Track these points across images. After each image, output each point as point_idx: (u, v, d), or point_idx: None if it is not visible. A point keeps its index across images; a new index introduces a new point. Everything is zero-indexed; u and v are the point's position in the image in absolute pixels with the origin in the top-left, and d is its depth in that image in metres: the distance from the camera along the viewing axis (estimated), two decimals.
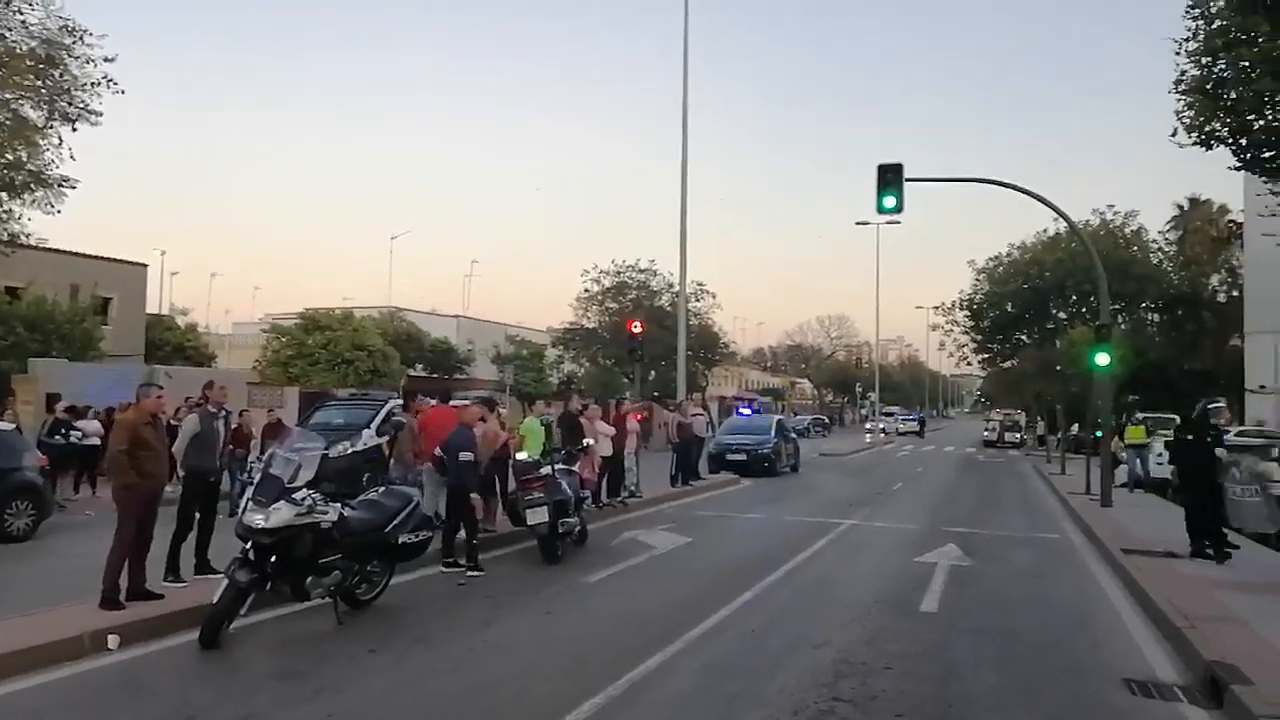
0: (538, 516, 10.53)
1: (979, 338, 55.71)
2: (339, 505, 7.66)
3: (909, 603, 9.04)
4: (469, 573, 9.68)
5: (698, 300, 45.85)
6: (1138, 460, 22.79)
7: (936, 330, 58.98)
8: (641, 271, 46.24)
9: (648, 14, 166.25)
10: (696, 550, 12.13)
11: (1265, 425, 28.19)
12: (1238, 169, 4.78)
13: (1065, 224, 24.54)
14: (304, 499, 7.17)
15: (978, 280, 54.40)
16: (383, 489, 8.82)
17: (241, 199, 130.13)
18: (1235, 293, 47.79)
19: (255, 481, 7.26)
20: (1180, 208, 54.65)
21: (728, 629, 7.79)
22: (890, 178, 18.15)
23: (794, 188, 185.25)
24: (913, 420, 72.73)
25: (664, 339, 36.39)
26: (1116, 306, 47.50)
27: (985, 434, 55.94)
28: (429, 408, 13.32)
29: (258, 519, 6.91)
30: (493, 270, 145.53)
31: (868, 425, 57.83)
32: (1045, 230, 50.56)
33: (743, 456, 25.08)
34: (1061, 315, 49.81)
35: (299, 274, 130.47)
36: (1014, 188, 20.04)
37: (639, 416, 18.50)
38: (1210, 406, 13.34)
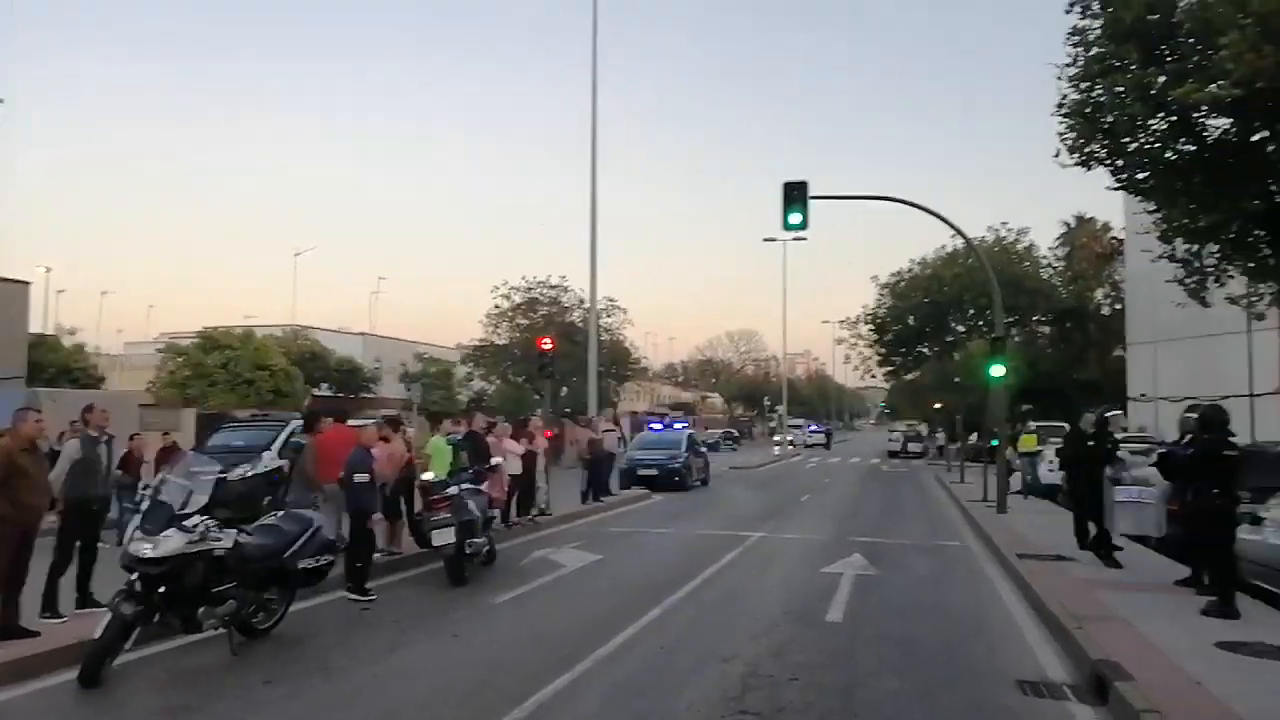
0: (444, 538, 10.34)
1: (883, 351, 57.27)
2: (235, 531, 7.38)
3: (815, 613, 9.18)
4: (351, 597, 9.39)
5: (609, 316, 45.97)
6: (1031, 468, 23.70)
7: (842, 344, 60.39)
8: (553, 288, 46.11)
9: (558, 31, 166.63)
10: (606, 567, 12.10)
11: (1146, 431, 29.69)
12: (1115, 189, 5.07)
13: (963, 240, 25.45)
14: (196, 526, 6.88)
15: (881, 295, 55.99)
16: (282, 513, 8.53)
17: (136, 214, 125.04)
18: (1118, 306, 50.36)
19: (143, 509, 6.93)
20: (1068, 225, 57.25)
21: (636, 646, 7.77)
22: (795, 195, 18.52)
23: (704, 204, 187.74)
24: (820, 433, 74.26)
25: (575, 355, 36.30)
26: (1010, 320, 49.42)
27: (889, 445, 57.42)
28: (329, 427, 12.96)
29: (144, 548, 6.60)
30: (401, 287, 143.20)
31: (776, 438, 58.72)
32: (944, 246, 52.30)
33: (654, 471, 25.17)
34: (960, 328, 51.60)
35: (198, 292, 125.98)
36: (914, 205, 20.71)
37: (549, 434, 18.38)
38: (1108, 415, 13.99)
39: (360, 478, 9.69)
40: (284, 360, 31.49)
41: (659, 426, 31.72)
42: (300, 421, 16.27)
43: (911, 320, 53.71)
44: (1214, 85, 4.33)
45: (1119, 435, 14.30)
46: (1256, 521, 10.05)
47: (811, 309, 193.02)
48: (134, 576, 6.72)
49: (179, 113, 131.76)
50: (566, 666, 6.95)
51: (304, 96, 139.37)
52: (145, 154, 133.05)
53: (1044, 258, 54.19)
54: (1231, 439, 9.42)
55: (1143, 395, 39.00)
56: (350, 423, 11.48)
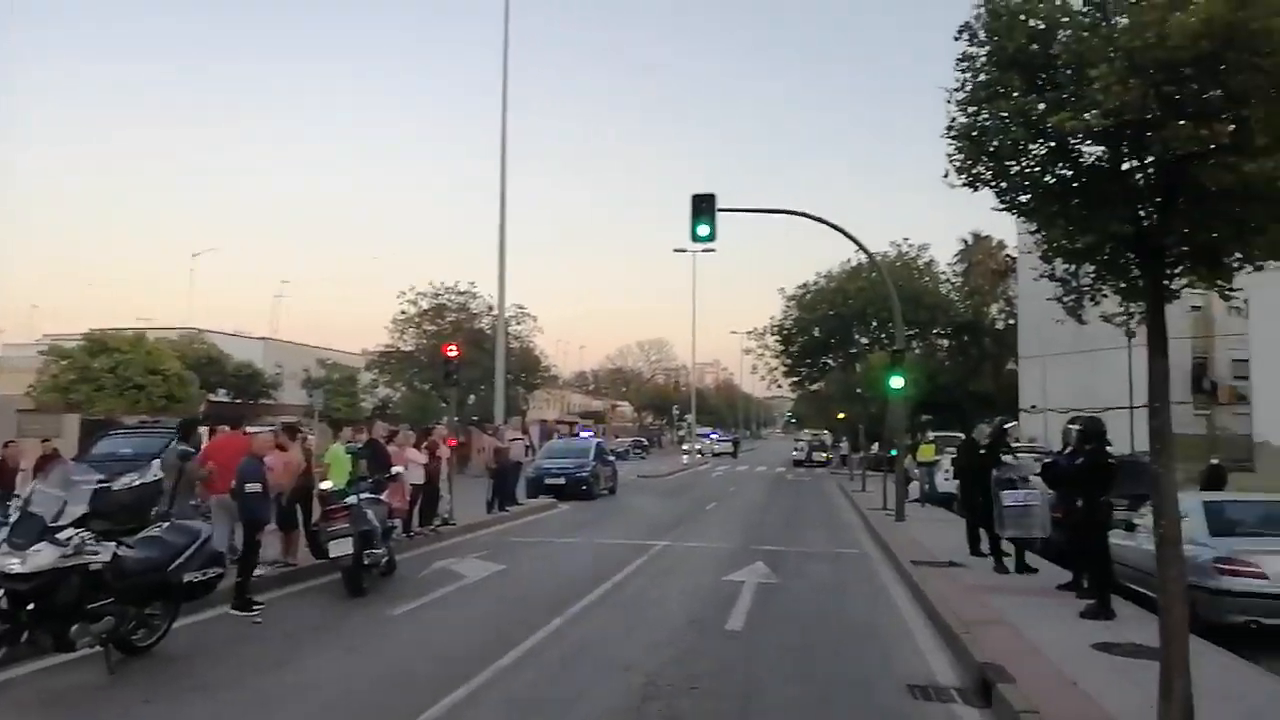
0: (341, 549, 10.09)
1: (789, 362, 58.37)
2: (114, 544, 7.04)
3: (716, 622, 9.27)
4: (235, 613, 9.07)
5: (518, 323, 45.62)
6: (929, 477, 24.45)
7: (750, 354, 61.37)
8: (461, 294, 45.53)
9: (467, 35, 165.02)
10: (509, 578, 11.98)
11: (1035, 442, 31.00)
12: (999, 210, 5.29)
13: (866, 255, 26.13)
14: (70, 539, 6.54)
15: (788, 307, 57.10)
16: (167, 524, 8.18)
17: (15, 210, 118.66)
18: (1011, 321, 52.53)
19: (10, 522, 6.55)
20: (965, 242, 59.45)
21: (536, 657, 7.71)
22: (703, 207, 18.71)
23: (617, 215, 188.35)
24: (727, 441, 75.14)
25: (484, 362, 35.91)
26: (911, 333, 50.94)
27: (794, 454, 58.45)
28: (222, 435, 12.54)
29: (12, 564, 6.23)
30: (305, 291, 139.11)
31: (684, 447, 59.23)
32: (849, 260, 53.59)
33: (561, 480, 25.07)
34: (864, 340, 52.90)
35: (86, 292, 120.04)
36: (818, 220, 21.22)
37: (453, 442, 18.12)
38: (1006, 426, 14.54)
39: (252, 488, 9.38)
40: (178, 365, 30.26)
41: (587, 434, 31.45)
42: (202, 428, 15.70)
43: (817, 332, 54.86)
44: (1087, 114, 4.53)
45: (1014, 445, 14.94)
46: (1131, 528, 10.58)
47: (721, 319, 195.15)
48: (0, 593, 6.34)
49: (81, 110, 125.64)
50: (464, 679, 6.84)
51: (206, 95, 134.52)
52: (33, 150, 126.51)
53: (943, 273, 56.09)
54: (1108, 449, 9.91)
55: (1033, 407, 40.70)
56: (248, 430, 11.09)
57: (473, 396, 41.76)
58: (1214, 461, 23.24)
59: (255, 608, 9.17)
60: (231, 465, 9.81)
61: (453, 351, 19.73)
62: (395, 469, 12.76)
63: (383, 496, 11.66)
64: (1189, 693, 4.96)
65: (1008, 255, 52.30)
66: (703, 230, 18.72)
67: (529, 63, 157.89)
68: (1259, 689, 6.72)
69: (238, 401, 37.54)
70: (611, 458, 30.32)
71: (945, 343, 56.87)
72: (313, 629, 8.72)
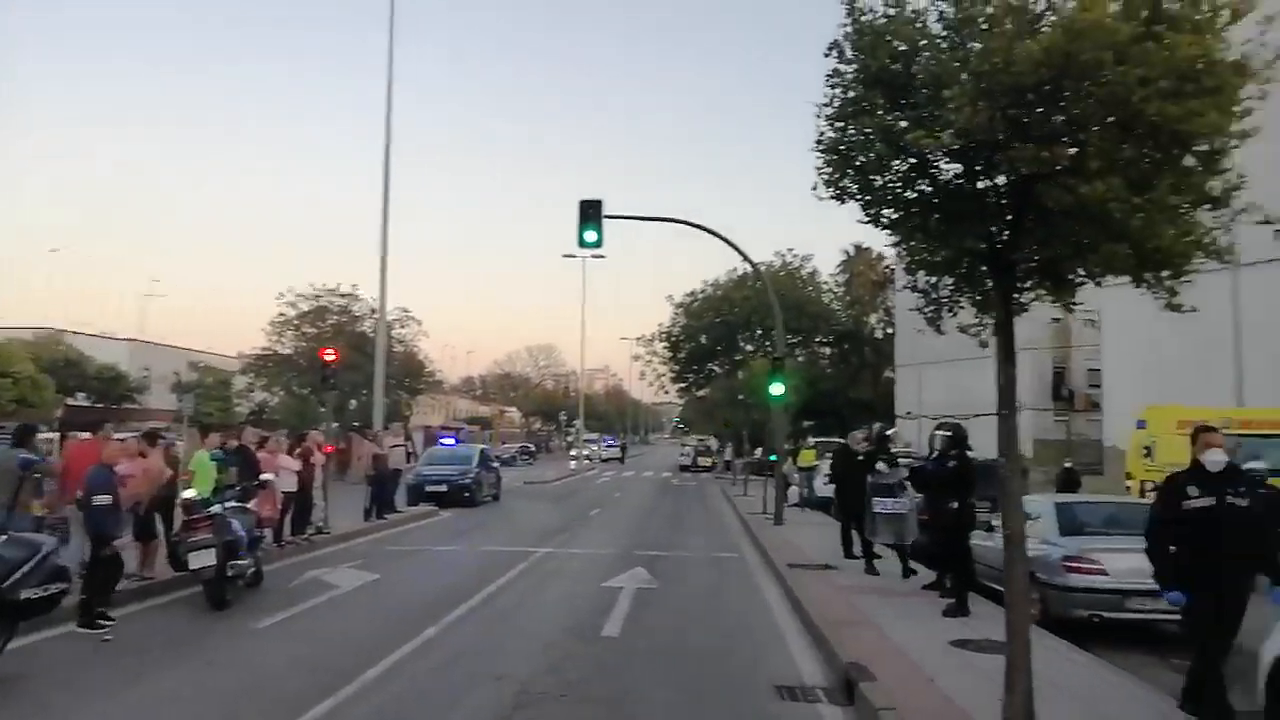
0: (202, 560, 9.63)
1: (676, 368, 59.11)
2: None
3: (592, 628, 9.25)
4: (80, 629, 8.54)
5: (402, 327, 44.70)
6: (808, 481, 25.08)
7: (639, 360, 61.86)
8: (343, 296, 44.25)
9: (354, 40, 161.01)
10: (383, 587, 11.69)
11: (910, 446, 32.20)
12: (864, 223, 5.50)
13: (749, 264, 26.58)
14: None
15: (676, 314, 57.83)
16: (4, 538, 7.64)
17: None
18: (890, 330, 54.50)
19: None
20: (848, 253, 61.35)
21: (406, 668, 7.54)
22: (591, 213, 18.78)
23: (507, 219, 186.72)
24: (615, 447, 75.35)
25: (365, 366, 34.85)
26: (794, 341, 52.34)
27: (681, 459, 59.10)
28: (81, 442, 11.82)
29: None
30: (178, 291, 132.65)
31: (572, 453, 59.14)
32: (736, 270, 54.64)
33: (443, 487, 24.64)
34: (749, 348, 54.00)
35: None
36: (703, 229, 21.57)
37: (329, 448, 17.57)
38: (887, 432, 15.00)
39: (100, 499, 8.83)
40: (31, 366, 28.43)
41: (450, 441, 31.03)
42: (45, 434, 14.75)
43: (704, 339, 55.76)
44: (942, 134, 4.73)
45: (893, 450, 15.44)
46: (991, 529, 11.08)
47: (611, 326, 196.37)
48: None
49: None
50: (329, 692, 6.63)
51: (68, 83, 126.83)
52: None
53: (826, 283, 57.83)
54: (968, 454, 10.38)
55: (909, 413, 42.27)
56: (113, 435, 10.43)
57: (354, 401, 40.62)
58: (1068, 465, 24.67)
59: (105, 624, 8.67)
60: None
61: (330, 355, 19.19)
62: (265, 476, 12.30)
63: (251, 505, 11.22)
64: (1030, 685, 5.22)
65: (887, 267, 54.25)
66: (590, 236, 18.80)
67: (418, 56, 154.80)
68: (1098, 679, 7.13)
69: (99, 406, 35.50)
70: (495, 464, 29.99)
71: (827, 350, 58.60)
72: (169, 644, 8.30)
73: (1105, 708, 6.34)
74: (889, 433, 15.48)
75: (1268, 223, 4.88)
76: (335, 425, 37.83)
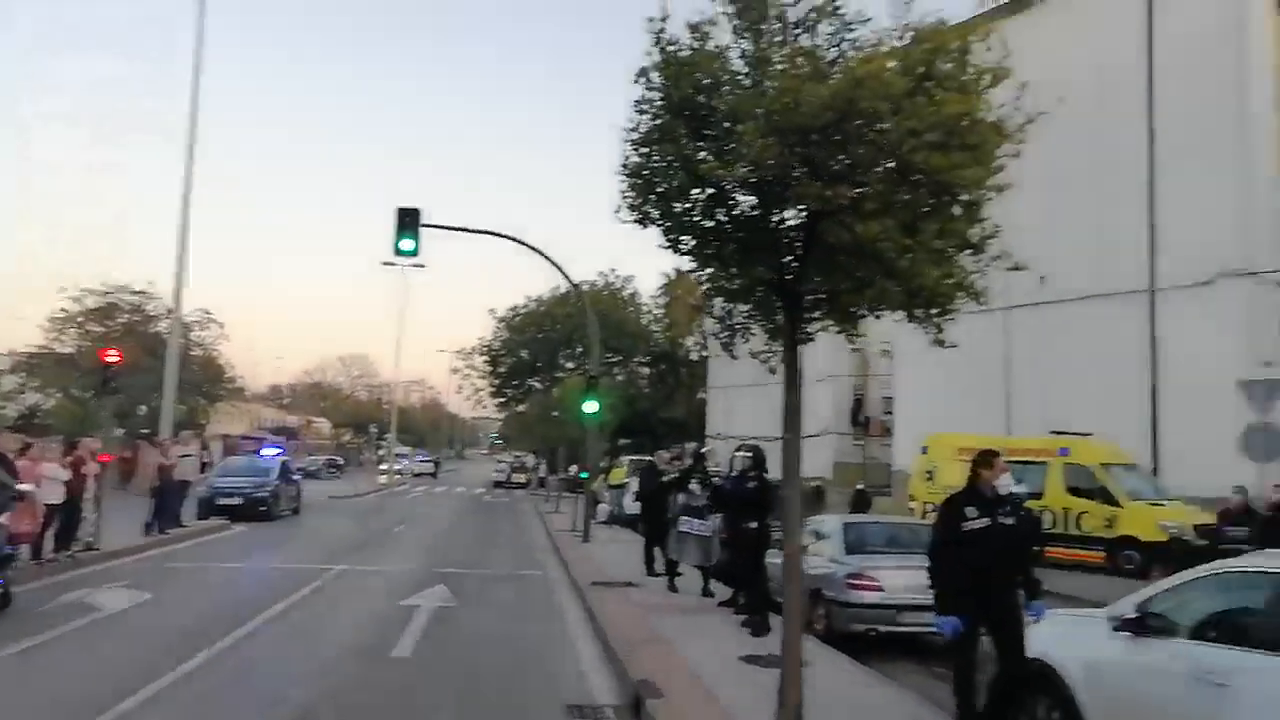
0: None
1: (496, 382, 58.58)
2: None
3: (383, 649, 8.91)
4: None
5: (203, 329, 42.02)
6: (618, 499, 25.37)
7: (457, 374, 60.83)
8: (137, 293, 41.05)
9: (162, 18, 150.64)
10: (156, 608, 10.82)
11: (720, 467, 33.18)
12: (665, 248, 5.61)
13: (578, 280, 26.53)
14: None
15: (498, 328, 57.35)
16: None
17: None
18: (704, 353, 56.16)
19: None
20: (668, 276, 62.76)
21: (170, 698, 6.98)
22: (408, 222, 18.34)
23: (324, 224, 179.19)
24: (428, 462, 73.64)
25: (158, 369, 32.47)
26: (614, 359, 53.06)
27: (496, 475, 58.46)
28: None
29: None
30: None
31: (382, 467, 57.22)
32: (559, 286, 54.74)
33: (237, 500, 23.19)
34: (569, 364, 54.26)
35: None
36: (523, 244, 21.48)
37: (106, 456, 16.16)
38: (703, 451, 15.29)
39: None
40: None
41: (273, 452, 28.94)
42: None
43: (525, 354, 55.60)
44: (737, 167, 4.93)
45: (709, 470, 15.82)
46: None
47: (431, 338, 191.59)
48: None
49: None
50: None
51: None
52: None
53: (646, 305, 58.98)
54: (767, 475, 10.79)
55: (718, 434, 43.65)
56: None
57: (143, 407, 37.69)
58: (860, 487, 26.19)
59: None
60: None
61: (112, 356, 17.69)
62: (22, 487, 11.15)
63: (1, 519, 10.14)
64: (801, 698, 5.46)
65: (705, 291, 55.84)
66: (406, 245, 18.36)
67: (228, 51, 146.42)
68: (872, 693, 7.55)
69: None
70: (297, 476, 28.56)
71: (646, 370, 59.72)
72: None
73: (871, 716, 6.72)
74: (704, 451, 15.86)
75: (1017, 269, 5.36)
76: (121, 432, 35.07)
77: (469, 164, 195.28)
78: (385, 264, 56.54)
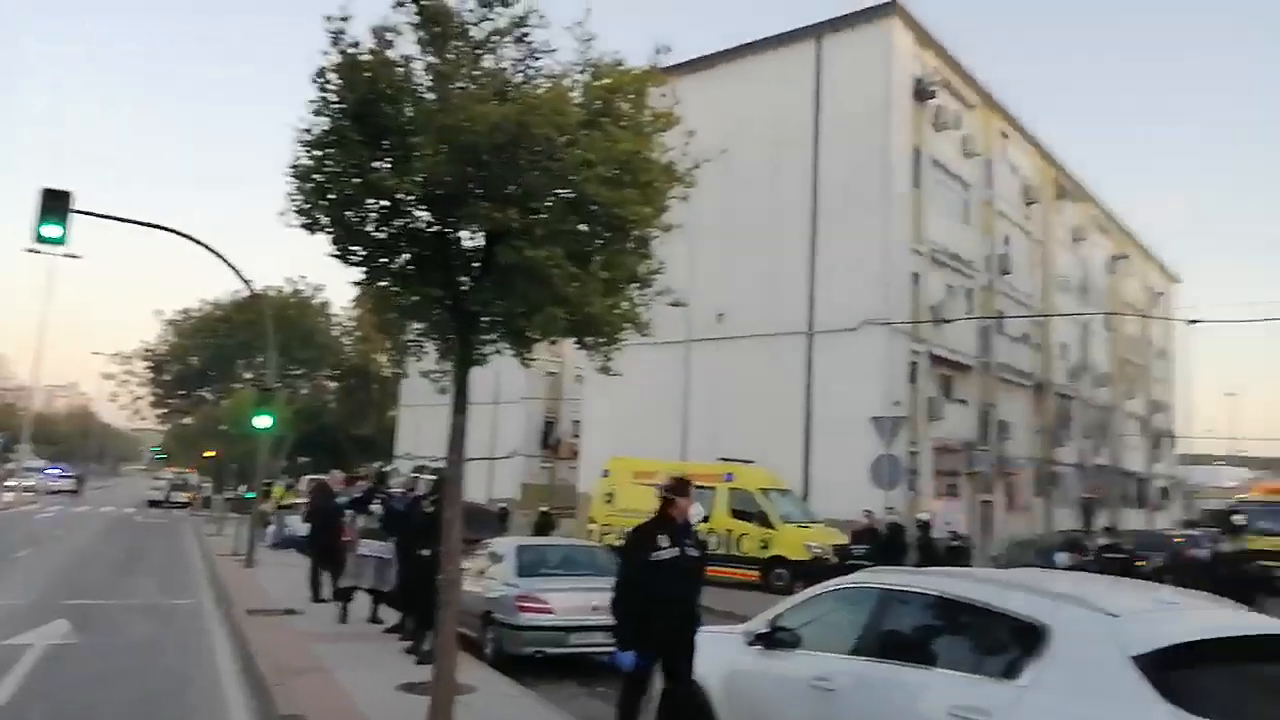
0: None
1: (159, 391, 53.07)
2: None
3: None
4: None
5: None
6: (281, 520, 23.81)
7: (113, 379, 54.26)
8: None
9: None
10: None
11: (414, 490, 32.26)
12: (333, 256, 5.31)
13: (263, 285, 24.47)
14: None
15: (165, 331, 52.07)
16: None
17: None
18: (399, 370, 54.55)
19: None
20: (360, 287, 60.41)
21: None
22: (55, 205, 16.09)
23: None
24: (68, 478, 64.92)
25: None
26: (300, 372, 50.00)
27: (152, 493, 52.87)
28: None
29: None
30: None
31: (9, 482, 49.66)
32: (238, 291, 50.76)
33: None
34: (248, 375, 50.37)
35: None
36: (196, 241, 19.56)
37: None
38: (384, 470, 14.61)
39: None
40: None
41: None
42: None
43: (195, 361, 50.85)
44: (410, 180, 4.80)
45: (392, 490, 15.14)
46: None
47: (87, 338, 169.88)
48: None
49: None
50: None
51: None
52: None
53: (338, 316, 56.21)
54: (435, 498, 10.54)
55: (407, 454, 42.55)
56: None
57: None
58: (543, 509, 26.61)
59: None
60: None
61: None
62: None
63: None
64: None
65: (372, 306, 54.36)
66: (52, 231, 16.09)
67: None
68: (530, 715, 7.56)
69: None
70: None
71: (334, 384, 56.86)
72: None
73: None
74: (387, 470, 15.27)
75: (677, 304, 5.70)
76: None
77: (159, 156, 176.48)
78: (30, 251, 49.57)
